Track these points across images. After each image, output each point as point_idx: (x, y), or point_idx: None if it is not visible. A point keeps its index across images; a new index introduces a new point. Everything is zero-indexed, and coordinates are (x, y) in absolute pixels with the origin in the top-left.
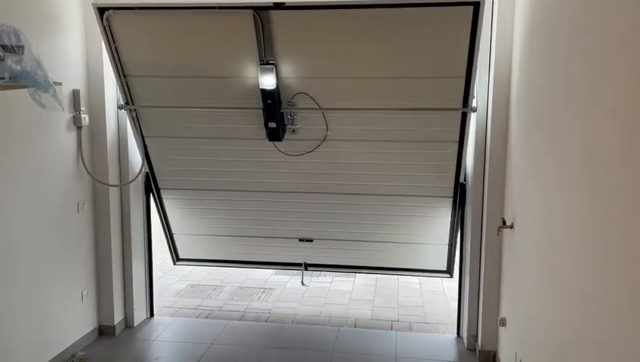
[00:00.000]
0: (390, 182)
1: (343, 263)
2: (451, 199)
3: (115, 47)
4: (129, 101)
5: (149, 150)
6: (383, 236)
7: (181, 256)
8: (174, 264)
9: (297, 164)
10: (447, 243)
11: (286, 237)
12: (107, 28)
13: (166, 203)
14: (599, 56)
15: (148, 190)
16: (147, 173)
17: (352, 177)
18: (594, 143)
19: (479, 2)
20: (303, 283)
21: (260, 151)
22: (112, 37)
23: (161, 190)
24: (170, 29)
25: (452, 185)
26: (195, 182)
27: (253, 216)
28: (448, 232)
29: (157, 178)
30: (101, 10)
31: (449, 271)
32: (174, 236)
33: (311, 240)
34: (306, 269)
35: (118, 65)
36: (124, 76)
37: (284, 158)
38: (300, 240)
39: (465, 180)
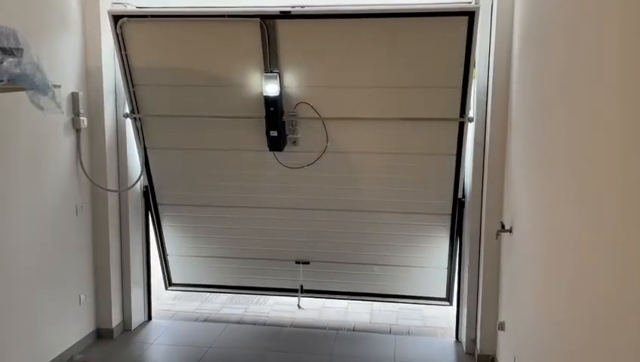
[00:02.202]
0: (389, 197)
1: (339, 289)
2: (449, 217)
3: (126, 55)
4: (135, 109)
5: (149, 163)
6: (380, 258)
7: (174, 281)
8: (166, 289)
9: (297, 178)
10: (446, 266)
11: (282, 259)
12: (120, 35)
13: (163, 220)
14: (598, 63)
15: (146, 200)
16: (146, 187)
17: (350, 193)
18: (594, 147)
19: (474, 12)
20: (299, 307)
21: (260, 164)
22: (124, 44)
23: (159, 205)
24: (179, 37)
25: (450, 200)
26: (193, 198)
27: (250, 235)
28: (447, 254)
29: (155, 192)
30: (115, 18)
31: (448, 298)
32: (168, 258)
33: (307, 263)
34: (302, 293)
35: (128, 73)
36: (133, 85)
37: (284, 171)
38: (297, 262)
39: (463, 196)
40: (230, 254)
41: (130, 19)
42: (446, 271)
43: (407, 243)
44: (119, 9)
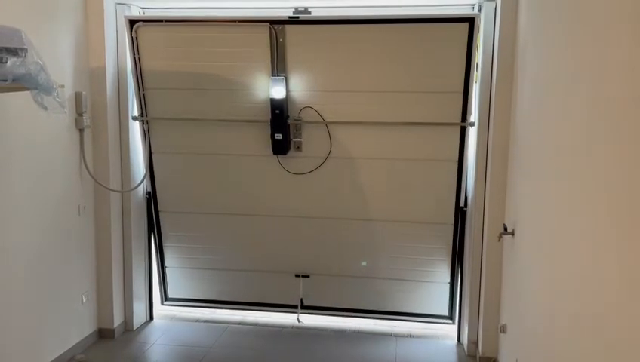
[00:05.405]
0: (391, 206)
1: (339, 305)
2: (452, 227)
3: (139, 58)
4: (143, 113)
5: (154, 168)
6: (381, 271)
7: (170, 295)
8: (162, 304)
9: (299, 185)
10: (448, 281)
11: (282, 271)
12: (134, 40)
13: (163, 229)
14: (602, 66)
15: (148, 206)
16: (149, 193)
17: (352, 200)
18: (595, 151)
19: (474, 19)
20: (299, 321)
21: (263, 169)
22: (138, 48)
23: (160, 213)
24: (188, 41)
25: (452, 209)
26: (194, 205)
27: (250, 246)
28: (449, 268)
29: (158, 199)
30: (131, 23)
31: (451, 316)
32: (166, 269)
33: (307, 276)
34: (302, 308)
35: (139, 77)
36: (143, 88)
37: (287, 178)
38: (297, 275)
39: (465, 205)
40: (228, 266)
41: (145, 23)
42: (448, 286)
43: (410, 256)
44: (134, 14)
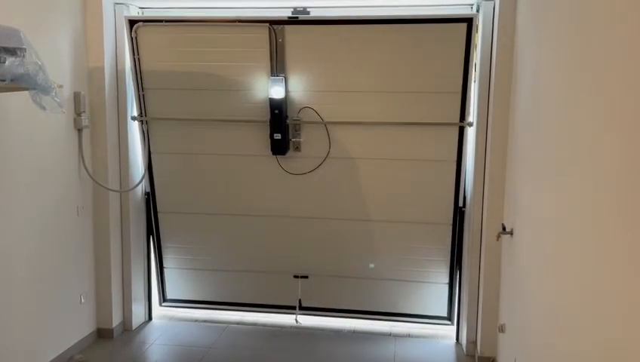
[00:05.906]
0: (390, 206)
1: (338, 306)
2: (450, 227)
3: (138, 59)
4: (142, 113)
5: (153, 168)
6: (379, 272)
7: (169, 296)
8: (160, 305)
9: (298, 185)
10: (447, 282)
11: (281, 272)
12: (134, 40)
13: (162, 230)
14: (601, 66)
15: (147, 207)
16: (148, 193)
17: (351, 201)
18: (594, 150)
19: (472, 19)
20: (297, 321)
21: (262, 170)
22: (137, 48)
23: (159, 213)
24: (188, 41)
25: (451, 209)
26: (192, 206)
27: (249, 247)
28: (448, 268)
29: (157, 199)
30: (131, 23)
31: (450, 317)
32: (165, 270)
33: (306, 277)
34: (300, 309)
35: (139, 77)
36: (142, 88)
37: (285, 178)
38: (295, 276)
39: (464, 205)
40: (227, 267)
41: (145, 23)
42: (447, 286)
43: (408, 256)
44: (133, 14)
